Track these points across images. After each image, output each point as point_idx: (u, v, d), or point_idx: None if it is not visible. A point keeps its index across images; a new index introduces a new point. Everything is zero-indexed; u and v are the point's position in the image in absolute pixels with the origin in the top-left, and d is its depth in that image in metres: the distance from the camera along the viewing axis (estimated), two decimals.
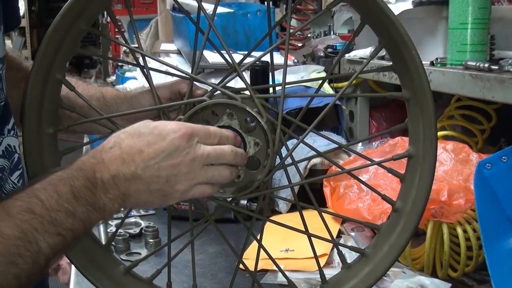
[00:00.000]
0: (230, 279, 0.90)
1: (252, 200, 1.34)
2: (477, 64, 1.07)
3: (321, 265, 1.05)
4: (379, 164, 0.86)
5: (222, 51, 0.83)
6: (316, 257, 0.87)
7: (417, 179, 0.82)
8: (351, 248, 0.88)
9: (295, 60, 1.75)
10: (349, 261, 0.88)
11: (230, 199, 0.83)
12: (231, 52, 0.80)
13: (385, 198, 0.84)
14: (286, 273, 1.02)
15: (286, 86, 0.80)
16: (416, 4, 1.29)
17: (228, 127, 0.77)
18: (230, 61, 0.80)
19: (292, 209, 1.33)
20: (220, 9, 1.97)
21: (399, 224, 0.83)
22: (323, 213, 0.86)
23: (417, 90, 0.78)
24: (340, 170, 0.91)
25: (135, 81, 2.19)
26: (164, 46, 2.28)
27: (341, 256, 0.87)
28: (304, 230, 0.86)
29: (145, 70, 0.83)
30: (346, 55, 1.55)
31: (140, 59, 0.86)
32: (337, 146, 0.89)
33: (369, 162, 0.88)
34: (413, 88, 0.78)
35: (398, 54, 0.77)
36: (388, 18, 0.75)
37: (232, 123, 0.77)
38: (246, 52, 0.86)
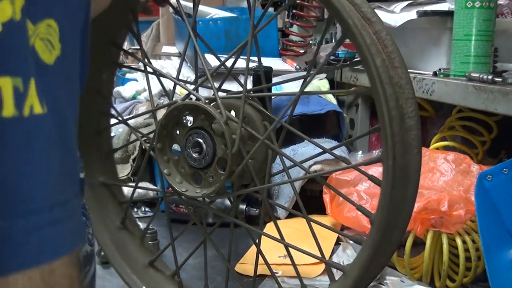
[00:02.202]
0: (228, 283, 0.89)
1: (251, 205, 1.34)
2: (481, 76, 1.08)
3: (319, 273, 1.05)
4: (354, 167, 0.78)
5: (209, 55, 0.83)
6: (294, 266, 0.84)
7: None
8: (334, 266, 0.80)
9: (297, 67, 1.75)
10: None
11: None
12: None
13: (360, 209, 0.76)
14: (284, 279, 1.02)
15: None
16: (421, 14, 1.30)
17: (201, 128, 0.79)
18: (203, 65, 0.82)
19: (291, 215, 1.32)
20: (223, 14, 1.97)
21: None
22: (321, 222, 0.84)
23: (372, 83, 0.67)
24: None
25: (135, 83, 2.19)
26: (166, 49, 2.28)
27: (330, 273, 0.80)
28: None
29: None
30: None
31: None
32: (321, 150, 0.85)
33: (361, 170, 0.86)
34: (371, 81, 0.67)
35: (358, 47, 0.68)
36: (337, 11, 0.67)
37: (205, 124, 0.79)
38: (253, 58, 0.86)
